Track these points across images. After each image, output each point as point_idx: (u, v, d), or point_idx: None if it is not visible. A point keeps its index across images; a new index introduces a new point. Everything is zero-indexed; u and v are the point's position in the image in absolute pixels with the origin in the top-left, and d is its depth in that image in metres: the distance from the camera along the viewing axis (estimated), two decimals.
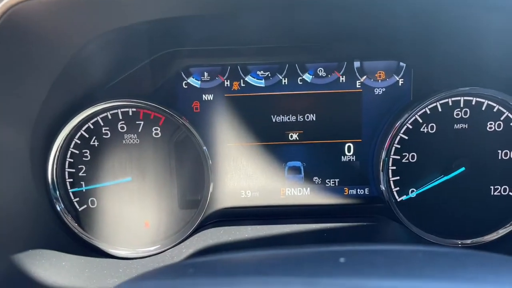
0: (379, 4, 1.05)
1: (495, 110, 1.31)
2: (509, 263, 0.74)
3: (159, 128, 1.36)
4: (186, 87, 1.38)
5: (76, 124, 1.32)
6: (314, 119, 1.38)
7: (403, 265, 0.73)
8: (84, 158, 1.36)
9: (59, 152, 1.32)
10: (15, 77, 1.03)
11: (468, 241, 1.36)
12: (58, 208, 1.34)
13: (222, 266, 0.74)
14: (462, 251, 0.73)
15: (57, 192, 1.34)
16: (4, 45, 0.95)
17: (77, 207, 1.37)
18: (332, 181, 1.43)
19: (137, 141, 1.36)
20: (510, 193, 1.36)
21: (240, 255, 0.77)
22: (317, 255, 0.74)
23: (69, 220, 1.36)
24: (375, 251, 0.74)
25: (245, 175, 1.42)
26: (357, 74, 1.36)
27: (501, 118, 1.31)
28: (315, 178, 1.43)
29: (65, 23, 0.99)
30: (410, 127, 1.33)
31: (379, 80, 1.36)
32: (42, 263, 1.19)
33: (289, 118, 1.39)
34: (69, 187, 1.37)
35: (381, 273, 0.72)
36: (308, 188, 1.43)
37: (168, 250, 1.33)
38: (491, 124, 1.32)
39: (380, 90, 1.36)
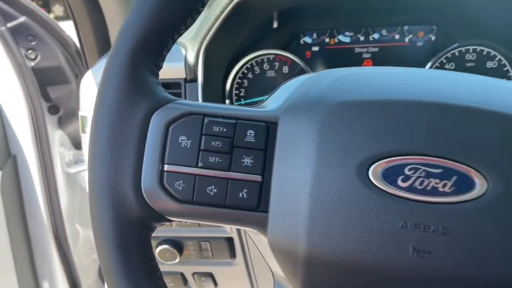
0: None
1: (497, 59, 2.15)
2: None
3: (287, 67, 2.33)
4: (302, 43, 2.34)
5: (243, 64, 2.33)
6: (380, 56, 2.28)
7: None
8: (243, 84, 2.38)
9: (233, 77, 2.34)
10: (232, 31, 2.05)
11: None
12: None
13: None
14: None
15: (227, 100, 2.36)
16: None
17: None
18: None
19: (274, 74, 2.35)
20: None
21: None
22: None
23: None
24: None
25: None
26: (405, 33, 2.25)
27: (495, 59, 2.16)
28: None
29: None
30: (438, 65, 2.21)
31: (420, 37, 2.24)
32: None
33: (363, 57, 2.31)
34: (234, 101, 2.40)
35: None
36: None
37: None
38: (489, 63, 2.17)
39: (420, 43, 2.25)
